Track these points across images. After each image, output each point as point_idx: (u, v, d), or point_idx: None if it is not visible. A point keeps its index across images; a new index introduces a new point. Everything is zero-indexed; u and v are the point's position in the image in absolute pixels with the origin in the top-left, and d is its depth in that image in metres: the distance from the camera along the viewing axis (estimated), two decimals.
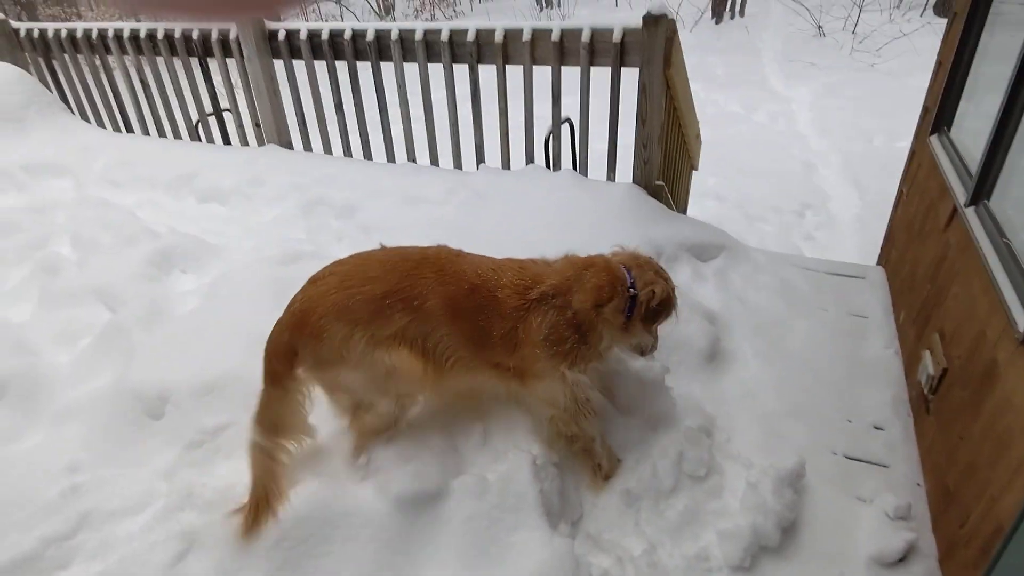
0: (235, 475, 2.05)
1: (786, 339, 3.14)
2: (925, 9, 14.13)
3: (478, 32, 3.81)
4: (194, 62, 4.77)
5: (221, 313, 2.68)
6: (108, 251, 3.41)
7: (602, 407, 2.33)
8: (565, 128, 4.08)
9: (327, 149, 4.70)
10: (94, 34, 4.99)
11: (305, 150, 4.81)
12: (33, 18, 13.33)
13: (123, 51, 4.99)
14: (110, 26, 4.90)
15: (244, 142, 5.04)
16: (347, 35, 4.13)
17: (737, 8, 15.53)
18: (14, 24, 5.46)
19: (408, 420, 2.14)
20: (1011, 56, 2.32)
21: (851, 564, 2.09)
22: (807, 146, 8.27)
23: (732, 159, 7.51)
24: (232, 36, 4.44)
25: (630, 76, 3.53)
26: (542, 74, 3.73)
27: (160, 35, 4.68)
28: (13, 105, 5.07)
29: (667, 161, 3.88)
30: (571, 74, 3.70)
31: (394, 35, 4.01)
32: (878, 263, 4.14)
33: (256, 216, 3.98)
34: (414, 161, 4.47)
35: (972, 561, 1.84)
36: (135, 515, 1.97)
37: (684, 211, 4.87)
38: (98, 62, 5.22)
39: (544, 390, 2.05)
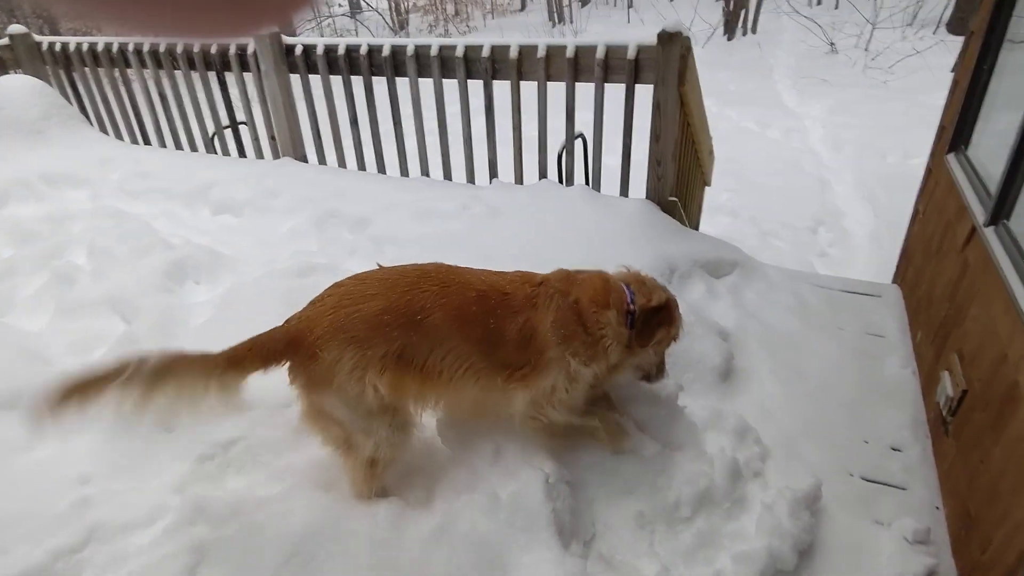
0: (246, 489, 2.05)
1: (801, 358, 3.10)
2: (938, 27, 14.11)
3: (493, 48, 3.83)
4: (212, 76, 4.84)
5: (234, 325, 2.66)
6: (123, 262, 3.43)
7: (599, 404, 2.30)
8: (578, 144, 4.09)
9: (341, 163, 4.74)
10: (114, 48, 5.08)
11: (319, 164, 4.85)
12: (55, 32, 13.58)
13: (142, 65, 5.08)
14: (130, 40, 4.99)
15: (259, 155, 5.09)
16: (363, 50, 4.17)
17: (749, 25, 15.58)
18: (37, 37, 5.56)
19: (417, 439, 2.12)
20: None
21: None
22: (820, 163, 8.23)
23: (745, 175, 7.49)
24: (250, 51, 4.50)
25: (643, 92, 3.53)
26: (556, 90, 3.74)
27: (179, 49, 4.75)
28: (34, 117, 5.14)
29: (680, 177, 3.88)
30: (585, 90, 3.71)
31: (410, 51, 4.04)
32: (893, 281, 4.09)
33: (270, 229, 4.00)
34: (427, 175, 4.49)
35: None
36: (145, 528, 1.96)
37: (697, 227, 4.85)
38: (117, 75, 5.30)
39: (545, 382, 2.01)
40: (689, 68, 3.40)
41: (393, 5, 17.95)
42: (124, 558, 1.87)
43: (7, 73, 5.51)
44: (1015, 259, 2.17)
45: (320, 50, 4.32)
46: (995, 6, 2.91)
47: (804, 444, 2.58)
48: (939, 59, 11.62)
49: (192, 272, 3.33)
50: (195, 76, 4.90)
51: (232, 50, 4.57)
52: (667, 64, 3.34)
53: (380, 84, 4.22)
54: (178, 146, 5.42)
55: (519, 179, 4.14)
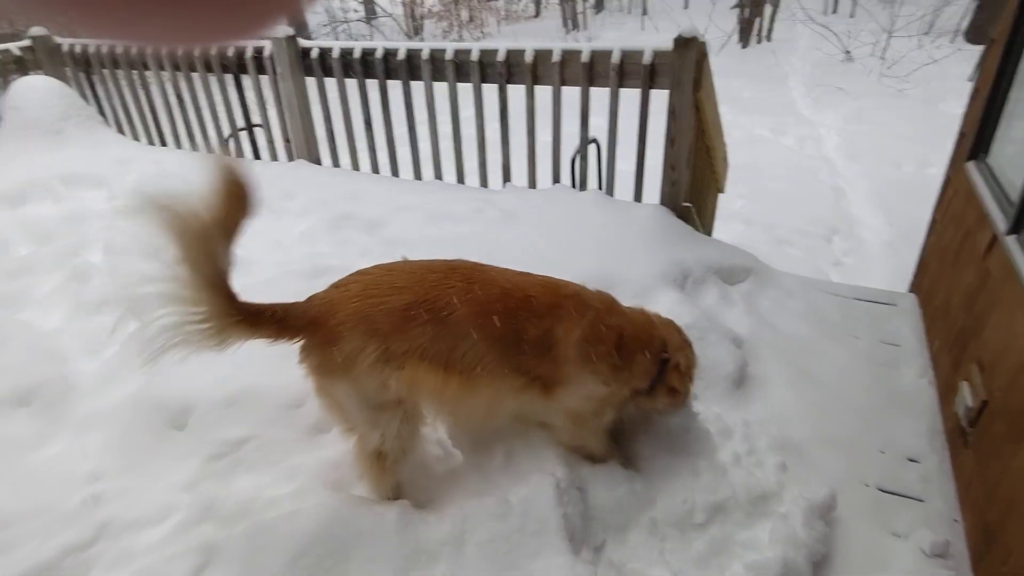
0: (256, 489, 2.04)
1: (816, 366, 3.06)
2: (956, 35, 13.99)
3: (508, 53, 3.83)
4: (228, 78, 4.87)
5: None
6: (137, 260, 3.45)
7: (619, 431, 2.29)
8: (592, 149, 4.07)
9: (355, 165, 4.75)
10: (133, 50, 5.13)
11: (333, 166, 4.87)
12: (75, 33, 13.76)
13: (160, 67, 5.13)
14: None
15: (274, 157, 5.12)
16: (379, 54, 4.19)
17: (764, 33, 15.53)
18: (57, 39, 5.63)
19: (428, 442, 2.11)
20: None
21: None
22: (835, 171, 8.17)
23: (759, 182, 7.44)
24: (266, 54, 4.53)
25: (658, 98, 3.52)
26: (570, 97, 3.73)
27: (196, 52, 4.79)
28: (53, 117, 5.21)
29: (695, 183, 3.85)
30: (599, 96, 3.70)
31: (425, 54, 4.05)
32: (910, 290, 4.04)
33: (283, 230, 4.01)
34: (440, 179, 4.49)
35: None
36: (155, 526, 1.96)
37: (710, 234, 4.81)
38: (136, 77, 5.35)
39: (566, 397, 2.00)
40: (705, 74, 3.38)
41: (408, 11, 18.06)
42: (132, 556, 1.87)
43: (28, 74, 5.58)
44: None
45: (336, 53, 4.34)
46: (1017, 14, 2.87)
47: (819, 453, 2.54)
48: (956, 68, 11.51)
49: None
50: (212, 79, 4.94)
51: (249, 52, 4.61)
52: (683, 69, 3.32)
53: (395, 88, 4.23)
54: (194, 147, 5.47)
55: (532, 183, 4.13)
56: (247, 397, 2.27)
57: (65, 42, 5.60)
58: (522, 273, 2.06)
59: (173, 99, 5.28)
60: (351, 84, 4.40)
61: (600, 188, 3.97)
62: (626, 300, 2.94)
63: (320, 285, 2.67)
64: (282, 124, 4.82)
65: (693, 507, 2.09)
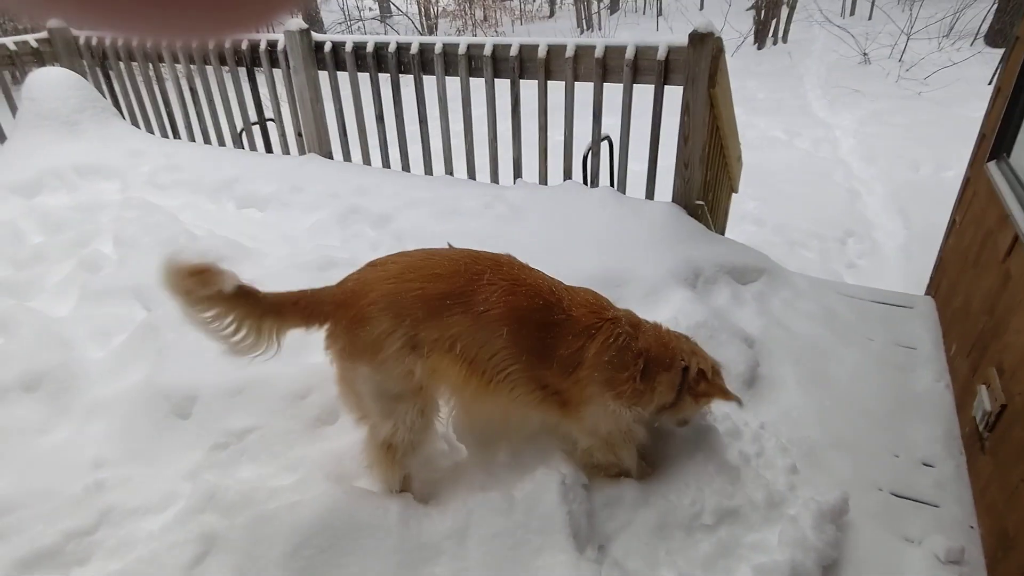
0: (258, 479, 2.03)
1: (829, 368, 3.01)
2: (976, 38, 13.79)
3: (521, 47, 3.81)
4: (242, 72, 4.88)
5: None
6: (148, 251, 3.46)
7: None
8: (604, 146, 4.04)
9: (366, 160, 4.74)
10: (148, 44, 5.15)
11: (344, 160, 4.86)
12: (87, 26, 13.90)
13: (175, 60, 5.15)
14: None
15: (286, 151, 5.12)
16: (392, 48, 4.17)
17: (780, 34, 15.39)
18: (74, 31, 5.67)
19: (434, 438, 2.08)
20: None
21: None
22: (851, 173, 8.07)
23: (773, 183, 7.36)
24: (280, 47, 4.53)
25: (672, 96, 3.48)
26: (583, 94, 3.70)
27: (211, 45, 4.80)
28: (69, 109, 5.24)
29: (708, 181, 3.81)
30: (613, 93, 3.66)
31: (437, 49, 4.03)
32: (927, 293, 3.97)
33: (293, 223, 4.02)
34: (451, 174, 4.47)
35: None
36: (156, 514, 1.96)
37: (722, 233, 4.76)
38: (151, 70, 5.38)
39: (589, 416, 1.97)
40: (720, 70, 3.33)
41: (422, 10, 18.08)
42: (133, 543, 1.86)
43: (45, 66, 5.62)
44: None
45: (349, 47, 4.33)
46: None
47: (830, 455, 2.49)
48: (976, 71, 11.35)
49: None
50: (225, 72, 4.95)
51: (262, 46, 4.61)
52: (698, 64, 3.28)
53: (407, 82, 4.22)
54: (207, 140, 5.49)
55: (543, 179, 4.10)
56: (252, 386, 2.26)
57: (82, 35, 5.63)
58: (569, 288, 2.00)
59: (187, 92, 5.30)
60: (363, 78, 4.39)
61: (612, 185, 3.94)
62: (636, 298, 2.92)
63: (328, 277, 2.65)
64: (294, 118, 4.82)
65: (702, 508, 2.05)
